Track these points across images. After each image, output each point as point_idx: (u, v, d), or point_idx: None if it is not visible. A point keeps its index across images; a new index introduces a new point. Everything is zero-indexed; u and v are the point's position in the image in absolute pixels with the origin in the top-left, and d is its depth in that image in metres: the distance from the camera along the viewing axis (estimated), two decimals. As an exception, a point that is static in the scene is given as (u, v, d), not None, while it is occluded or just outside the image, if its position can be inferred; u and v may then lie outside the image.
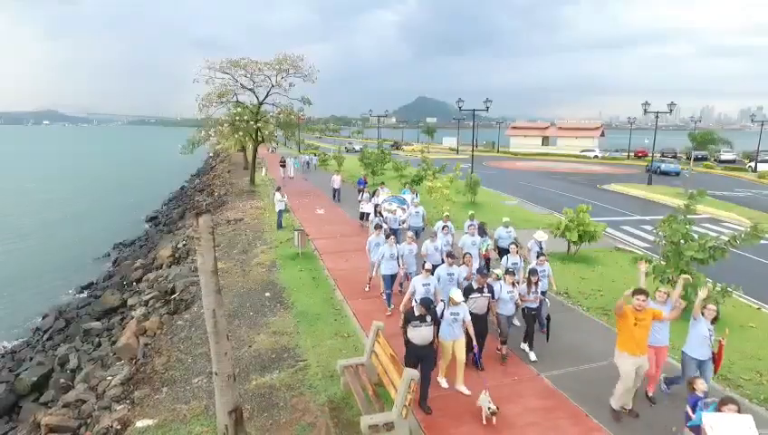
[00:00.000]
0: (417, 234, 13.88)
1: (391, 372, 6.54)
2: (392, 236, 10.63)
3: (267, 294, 11.81)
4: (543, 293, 9.07)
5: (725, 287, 9.95)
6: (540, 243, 10.98)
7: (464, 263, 9.30)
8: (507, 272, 8.45)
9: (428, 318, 6.70)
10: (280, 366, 8.34)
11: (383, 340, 7.20)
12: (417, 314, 6.72)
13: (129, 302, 15.00)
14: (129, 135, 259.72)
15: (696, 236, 10.35)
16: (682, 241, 10.09)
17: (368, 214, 17.51)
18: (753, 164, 46.08)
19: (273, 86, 28.57)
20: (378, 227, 11.60)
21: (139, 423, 7.06)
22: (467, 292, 7.77)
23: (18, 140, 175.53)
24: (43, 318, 16.44)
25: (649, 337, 6.67)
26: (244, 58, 28.07)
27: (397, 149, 50.43)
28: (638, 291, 6.61)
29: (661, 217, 11.24)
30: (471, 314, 7.48)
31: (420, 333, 6.70)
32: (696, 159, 49.12)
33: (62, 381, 10.95)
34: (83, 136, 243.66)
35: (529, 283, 8.41)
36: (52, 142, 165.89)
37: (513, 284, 8.33)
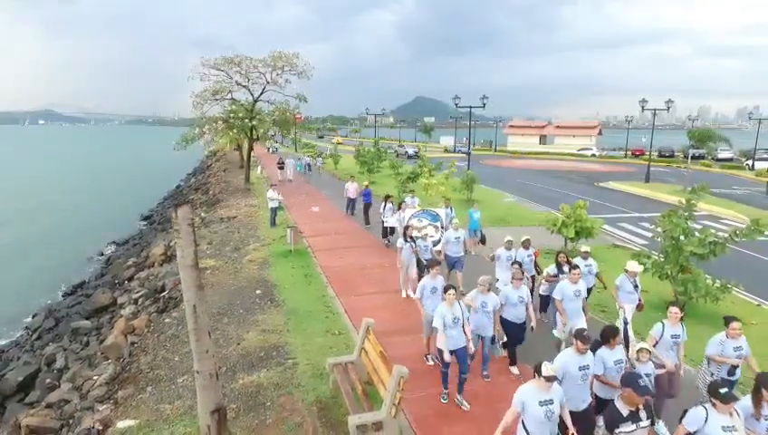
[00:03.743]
0: (455, 266, 10.88)
1: (381, 369, 6.30)
2: (453, 290, 6.82)
3: (258, 291, 11.57)
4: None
5: (725, 283, 9.76)
6: (635, 278, 8.22)
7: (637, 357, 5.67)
8: (722, 397, 4.36)
9: None
10: (268, 365, 8.10)
11: (373, 337, 6.96)
12: None
13: (120, 300, 14.75)
14: (126, 135, 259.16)
15: (696, 232, 10.14)
16: (682, 237, 9.88)
17: (393, 229, 15.01)
18: (750, 162, 46.03)
19: (267, 83, 28.31)
20: (434, 264, 8.08)
21: (120, 424, 6.82)
22: (611, 422, 4.46)
23: (14, 140, 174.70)
24: (33, 317, 16.20)
25: None
26: (238, 55, 27.83)
27: (416, 156, 42.15)
28: None
29: (659, 214, 11.01)
30: None
31: None
32: (694, 158, 49.03)
33: (48, 381, 10.69)
34: (80, 135, 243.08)
35: (758, 399, 4.66)
36: (49, 142, 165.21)
37: (732, 413, 4.44)
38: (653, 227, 11.11)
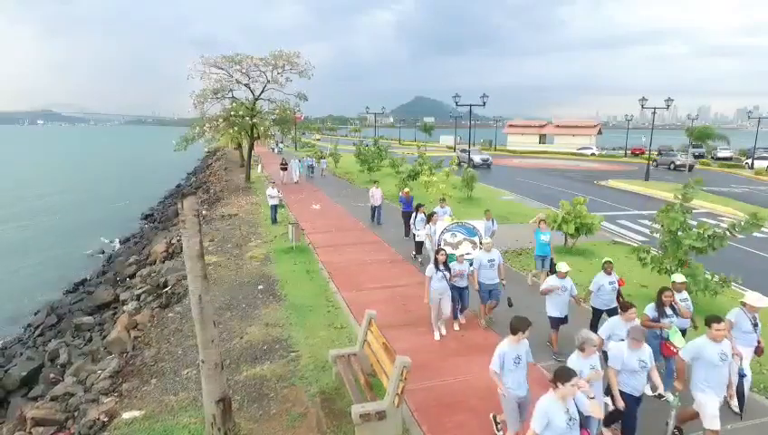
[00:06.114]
0: (490, 296, 9.05)
1: (384, 360, 6.38)
2: (576, 379, 4.25)
3: (260, 287, 11.65)
4: None
5: (724, 278, 9.83)
6: (755, 316, 6.32)
7: None
8: None
9: None
10: (271, 357, 8.18)
11: (376, 329, 7.04)
12: None
13: (122, 297, 14.80)
14: (126, 135, 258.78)
15: (694, 225, 10.23)
16: (680, 231, 9.95)
17: (423, 243, 13.18)
18: (749, 161, 46.17)
19: (268, 81, 28.38)
20: (523, 326, 5.41)
21: (126, 415, 6.89)
22: None
23: (13, 140, 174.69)
24: (35, 314, 16.24)
25: None
26: (239, 54, 27.87)
27: (488, 165, 37.13)
28: None
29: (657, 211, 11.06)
30: None
31: None
32: (693, 157, 49.09)
33: (51, 375, 10.75)
34: (80, 135, 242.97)
35: None
36: (49, 142, 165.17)
37: None
38: (652, 223, 11.17)
